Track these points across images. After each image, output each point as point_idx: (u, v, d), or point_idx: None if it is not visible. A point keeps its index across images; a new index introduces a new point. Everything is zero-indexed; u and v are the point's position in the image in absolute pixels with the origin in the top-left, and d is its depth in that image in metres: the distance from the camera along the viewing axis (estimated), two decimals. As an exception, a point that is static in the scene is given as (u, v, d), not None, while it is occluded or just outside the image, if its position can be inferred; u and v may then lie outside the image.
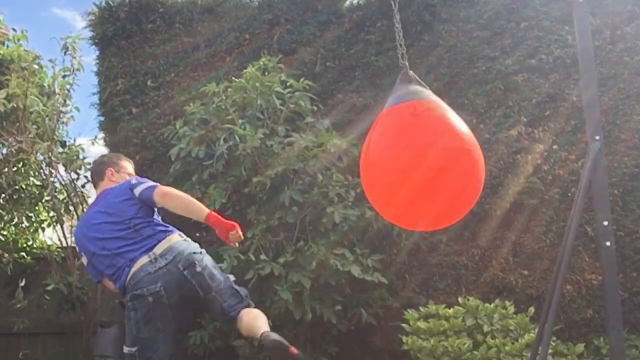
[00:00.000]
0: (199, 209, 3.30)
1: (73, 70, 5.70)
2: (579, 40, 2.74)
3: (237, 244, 3.41)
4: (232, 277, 3.51)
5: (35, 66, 5.67)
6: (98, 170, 3.73)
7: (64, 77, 5.70)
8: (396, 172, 2.55)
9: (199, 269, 3.28)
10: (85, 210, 6.03)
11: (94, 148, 6.19)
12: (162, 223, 3.47)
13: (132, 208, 3.40)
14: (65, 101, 5.73)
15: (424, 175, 2.49)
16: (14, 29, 5.80)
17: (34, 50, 5.70)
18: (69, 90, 5.72)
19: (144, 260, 3.26)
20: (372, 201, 2.81)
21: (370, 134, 2.74)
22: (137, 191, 3.41)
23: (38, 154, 5.64)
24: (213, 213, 3.30)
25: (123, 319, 3.37)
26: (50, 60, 5.70)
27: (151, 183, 3.44)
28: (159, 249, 3.29)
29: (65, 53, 5.65)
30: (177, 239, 3.39)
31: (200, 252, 3.41)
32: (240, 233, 3.32)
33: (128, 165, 3.79)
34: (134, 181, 3.48)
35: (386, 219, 3.06)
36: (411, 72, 2.78)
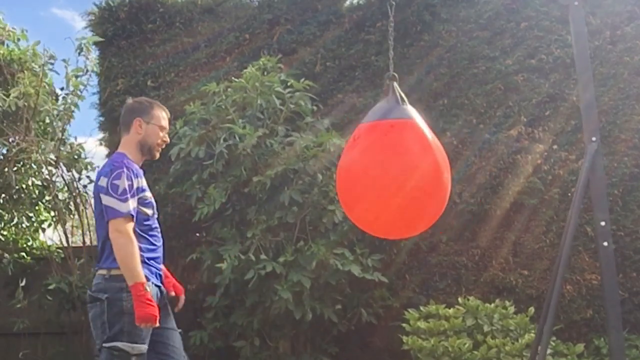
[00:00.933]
0: (130, 271, 2.77)
1: (87, 71, 5.73)
2: (575, 43, 2.75)
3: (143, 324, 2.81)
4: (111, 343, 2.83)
5: (48, 66, 5.69)
6: (125, 120, 3.08)
7: (77, 77, 5.72)
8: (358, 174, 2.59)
9: (88, 310, 2.94)
10: (85, 210, 6.05)
11: (100, 149, 6.17)
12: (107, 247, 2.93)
13: (100, 220, 2.96)
14: (77, 101, 5.74)
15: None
16: (13, 28, 5.81)
17: (49, 50, 5.71)
18: (81, 91, 5.74)
19: None
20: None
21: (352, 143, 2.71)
22: (103, 200, 2.88)
23: (41, 153, 5.64)
24: (139, 286, 2.77)
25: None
26: (64, 60, 5.73)
27: (114, 204, 2.83)
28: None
29: (79, 54, 5.67)
30: (98, 273, 2.99)
31: (98, 300, 2.87)
32: (154, 324, 2.82)
33: (161, 115, 3.13)
34: (103, 183, 2.89)
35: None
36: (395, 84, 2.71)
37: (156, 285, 3.03)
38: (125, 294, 2.80)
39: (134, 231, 2.90)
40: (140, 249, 2.91)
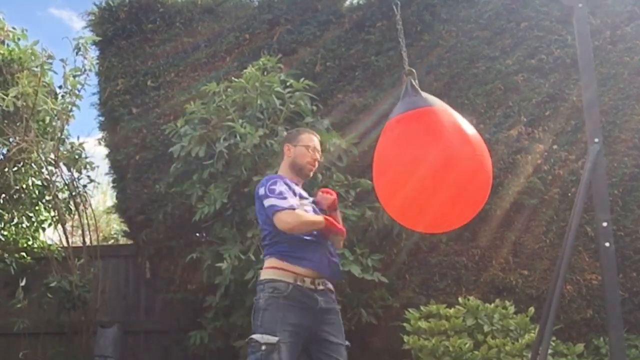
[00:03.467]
0: (316, 224, 3.08)
1: (85, 71, 5.73)
2: (579, 44, 2.75)
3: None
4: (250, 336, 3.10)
5: (46, 66, 5.68)
6: (280, 150, 3.47)
7: (74, 77, 5.72)
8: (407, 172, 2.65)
9: None
10: (85, 210, 6.05)
11: (99, 149, 6.18)
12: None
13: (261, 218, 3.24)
14: (75, 101, 5.75)
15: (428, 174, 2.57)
16: (13, 28, 5.81)
17: (47, 49, 5.71)
18: (79, 90, 5.74)
19: None
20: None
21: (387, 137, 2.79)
22: (264, 203, 3.12)
23: (41, 153, 5.64)
24: (327, 220, 3.09)
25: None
26: (62, 60, 5.74)
27: (275, 202, 3.07)
28: None
29: (77, 53, 5.67)
30: None
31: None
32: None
33: (307, 137, 3.36)
34: (261, 191, 3.16)
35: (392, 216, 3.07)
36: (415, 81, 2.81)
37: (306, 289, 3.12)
38: (262, 294, 3.08)
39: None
40: (283, 248, 3.14)
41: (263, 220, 3.16)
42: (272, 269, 3.10)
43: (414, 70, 2.81)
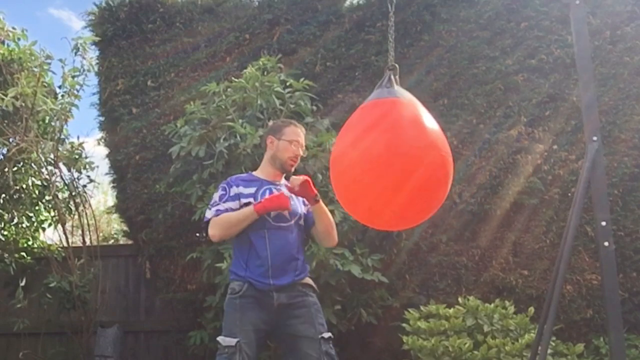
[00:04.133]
0: (247, 217, 3.10)
1: (83, 71, 5.73)
2: (576, 42, 2.74)
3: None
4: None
5: (45, 66, 5.68)
6: (263, 141, 3.44)
7: (73, 77, 5.72)
8: (360, 168, 2.50)
9: None
10: (85, 210, 6.05)
11: (98, 148, 6.19)
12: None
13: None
14: (74, 101, 5.75)
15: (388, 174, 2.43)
16: (13, 28, 5.82)
17: (45, 49, 5.72)
18: (78, 90, 5.74)
19: None
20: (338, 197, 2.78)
21: (347, 127, 2.68)
22: None
23: (41, 153, 5.64)
24: (256, 206, 3.10)
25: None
26: (60, 60, 5.73)
27: (212, 208, 3.17)
28: None
29: (75, 53, 5.68)
30: None
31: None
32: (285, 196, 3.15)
33: (292, 131, 3.29)
34: (219, 191, 3.23)
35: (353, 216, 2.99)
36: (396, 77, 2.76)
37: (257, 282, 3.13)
38: (226, 298, 3.19)
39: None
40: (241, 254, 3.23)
41: None
42: (233, 279, 3.19)
43: (397, 66, 2.78)
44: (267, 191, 3.20)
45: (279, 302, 3.10)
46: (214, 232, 3.12)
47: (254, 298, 3.08)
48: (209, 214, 3.17)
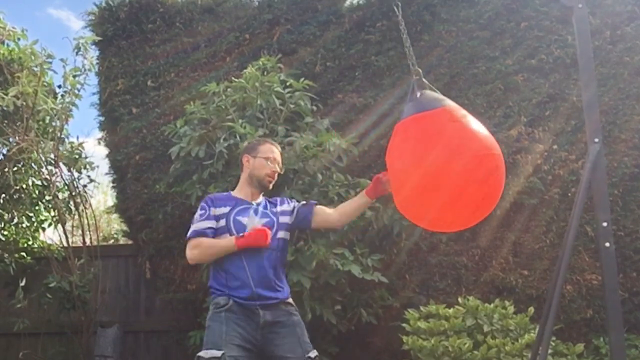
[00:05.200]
0: (225, 248, 3.10)
1: (84, 70, 5.73)
2: (579, 45, 2.74)
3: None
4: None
5: (46, 65, 5.68)
6: (239, 160, 3.45)
7: (74, 76, 5.72)
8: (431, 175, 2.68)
9: None
10: (85, 210, 6.05)
11: (98, 148, 6.20)
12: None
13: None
14: (75, 100, 5.75)
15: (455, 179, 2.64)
16: (13, 28, 5.82)
17: (47, 49, 5.72)
18: (79, 90, 5.74)
19: None
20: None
21: (397, 143, 2.82)
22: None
23: (41, 152, 5.64)
24: (238, 239, 3.08)
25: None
26: (62, 60, 5.74)
27: (192, 226, 3.19)
28: None
29: (77, 53, 5.68)
30: None
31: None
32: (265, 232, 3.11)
33: (266, 148, 3.32)
34: (200, 211, 3.23)
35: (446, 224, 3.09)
36: (424, 79, 2.84)
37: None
38: (209, 313, 3.18)
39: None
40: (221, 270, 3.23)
41: None
42: (213, 287, 3.20)
43: (420, 71, 2.85)
44: (243, 212, 3.21)
45: (264, 319, 3.07)
46: (192, 254, 3.14)
47: (241, 313, 3.05)
48: (189, 232, 3.18)
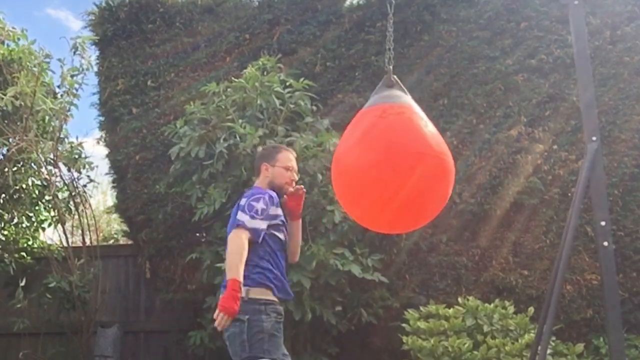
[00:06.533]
0: (232, 269, 2.92)
1: (82, 70, 5.73)
2: (575, 43, 2.74)
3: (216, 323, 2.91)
4: None
5: (44, 65, 5.68)
6: (256, 166, 3.38)
7: (72, 76, 5.72)
8: (358, 172, 2.55)
9: (225, 333, 3.05)
10: (85, 210, 6.06)
11: (97, 148, 6.20)
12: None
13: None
14: (72, 100, 5.75)
15: (385, 178, 2.46)
16: (13, 28, 5.82)
17: (44, 48, 5.72)
18: (77, 90, 5.74)
19: None
20: (338, 197, 2.84)
21: (345, 132, 2.75)
22: (238, 216, 3.07)
23: (40, 152, 5.64)
24: (235, 282, 2.89)
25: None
26: (59, 60, 5.73)
27: (243, 217, 3.02)
28: None
29: (74, 53, 5.68)
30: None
31: (238, 321, 2.95)
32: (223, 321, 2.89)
33: (285, 157, 3.30)
34: (242, 202, 3.11)
35: (351, 217, 3.01)
36: (394, 76, 2.80)
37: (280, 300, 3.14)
38: (265, 316, 2.98)
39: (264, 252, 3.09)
40: (268, 268, 3.08)
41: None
42: (264, 289, 3.03)
43: (390, 68, 2.84)
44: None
45: None
46: (234, 242, 2.98)
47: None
48: (246, 222, 3.02)
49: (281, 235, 3.18)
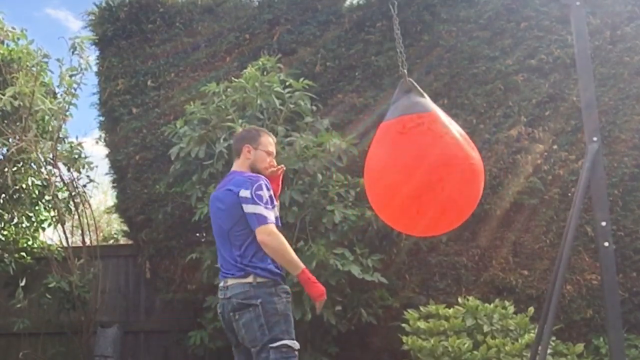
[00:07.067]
0: (294, 264, 3.00)
1: (81, 70, 5.73)
2: (577, 43, 2.75)
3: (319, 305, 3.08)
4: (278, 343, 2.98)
5: (43, 65, 5.68)
6: (236, 147, 3.32)
7: (70, 76, 5.72)
8: (391, 193, 2.69)
9: (237, 316, 3.05)
10: (85, 210, 6.05)
11: (97, 148, 6.20)
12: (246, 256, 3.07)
13: (237, 229, 3.11)
14: (71, 100, 5.75)
15: (412, 192, 2.59)
16: (13, 28, 5.82)
17: (42, 48, 5.71)
18: (75, 90, 5.74)
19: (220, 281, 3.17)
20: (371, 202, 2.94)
21: (371, 149, 2.85)
22: (245, 209, 3.03)
23: (40, 152, 5.64)
24: (306, 271, 3.01)
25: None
26: (58, 60, 5.73)
27: (262, 211, 3.00)
28: (226, 282, 3.12)
29: (73, 53, 5.67)
30: (239, 282, 3.08)
31: (252, 306, 3.00)
32: (323, 299, 3.06)
33: (267, 141, 3.30)
34: (243, 193, 3.04)
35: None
36: (410, 79, 2.80)
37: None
38: (277, 298, 3.03)
39: None
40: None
41: (242, 224, 3.05)
42: (268, 273, 3.04)
43: (405, 72, 2.85)
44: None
45: None
46: (270, 240, 2.98)
47: None
48: (269, 216, 3.01)
49: (276, 220, 3.18)
